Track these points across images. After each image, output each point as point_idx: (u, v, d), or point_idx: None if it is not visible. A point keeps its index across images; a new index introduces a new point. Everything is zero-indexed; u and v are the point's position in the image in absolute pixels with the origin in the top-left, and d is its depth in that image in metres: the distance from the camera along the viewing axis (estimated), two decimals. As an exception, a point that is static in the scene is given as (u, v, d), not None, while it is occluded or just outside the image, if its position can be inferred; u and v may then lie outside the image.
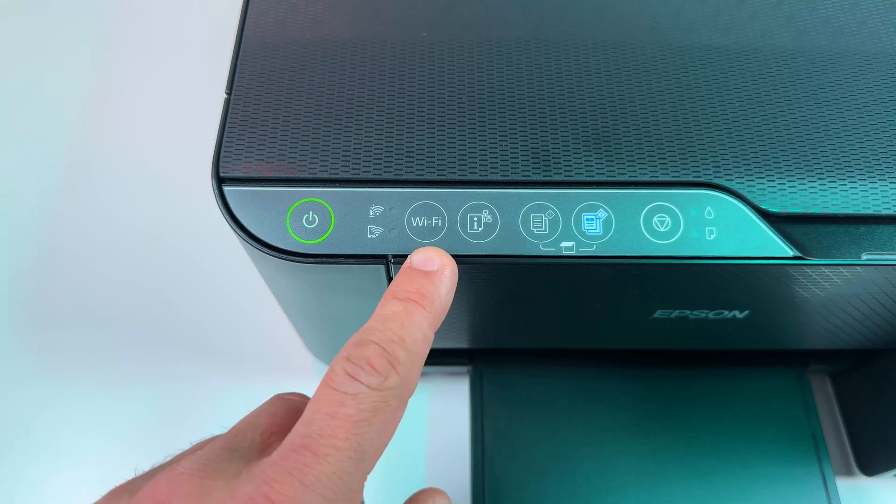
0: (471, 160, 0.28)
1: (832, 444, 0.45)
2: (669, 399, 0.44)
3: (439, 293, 0.26)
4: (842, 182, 0.29)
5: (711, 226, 0.28)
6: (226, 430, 0.25)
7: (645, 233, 0.28)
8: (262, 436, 0.25)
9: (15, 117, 0.57)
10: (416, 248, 0.27)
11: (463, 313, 0.34)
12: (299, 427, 0.22)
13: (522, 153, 0.29)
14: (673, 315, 0.34)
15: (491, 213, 0.28)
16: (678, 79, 0.31)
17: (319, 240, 0.27)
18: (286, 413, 0.26)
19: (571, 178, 0.28)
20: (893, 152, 0.29)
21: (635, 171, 0.28)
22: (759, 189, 0.28)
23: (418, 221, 0.28)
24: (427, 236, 0.28)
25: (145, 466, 0.26)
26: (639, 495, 0.41)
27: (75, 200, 0.53)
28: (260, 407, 0.26)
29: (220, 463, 0.23)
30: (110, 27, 0.61)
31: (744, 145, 0.29)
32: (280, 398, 0.27)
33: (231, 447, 0.24)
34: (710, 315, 0.34)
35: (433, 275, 0.26)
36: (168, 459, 0.26)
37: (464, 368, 0.45)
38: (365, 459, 0.22)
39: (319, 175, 0.28)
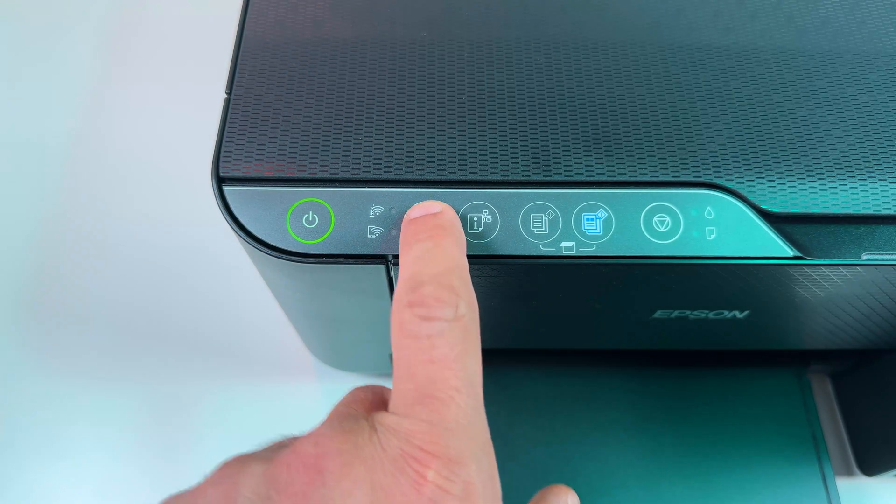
0: (471, 160, 0.28)
1: (832, 444, 0.45)
2: (669, 399, 0.44)
3: (455, 224, 0.26)
4: (842, 182, 0.29)
5: (711, 226, 0.28)
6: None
7: (645, 233, 0.28)
8: (370, 406, 0.25)
9: (15, 117, 0.57)
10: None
11: (463, 313, 0.34)
12: (403, 384, 0.22)
13: (522, 153, 0.29)
14: (673, 315, 0.34)
15: (491, 213, 0.28)
16: (678, 79, 0.31)
17: (319, 240, 0.27)
18: (376, 393, 0.26)
19: (571, 178, 0.28)
20: (893, 152, 0.29)
21: (635, 171, 0.28)
22: (759, 189, 0.28)
23: (418, 221, 0.28)
24: (427, 236, 0.27)
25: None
26: (639, 495, 0.41)
27: (75, 200, 0.53)
28: (351, 391, 0.26)
29: (351, 423, 0.23)
30: (110, 27, 0.61)
31: (744, 145, 0.29)
32: (363, 387, 0.27)
33: (348, 415, 0.24)
34: (711, 315, 0.34)
35: (440, 214, 0.26)
36: (272, 443, 0.25)
37: (464, 368, 0.45)
38: (477, 388, 0.22)
39: (319, 175, 0.28)
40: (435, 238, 0.25)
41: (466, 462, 0.21)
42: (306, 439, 0.22)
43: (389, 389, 0.26)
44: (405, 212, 0.27)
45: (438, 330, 0.22)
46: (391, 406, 0.23)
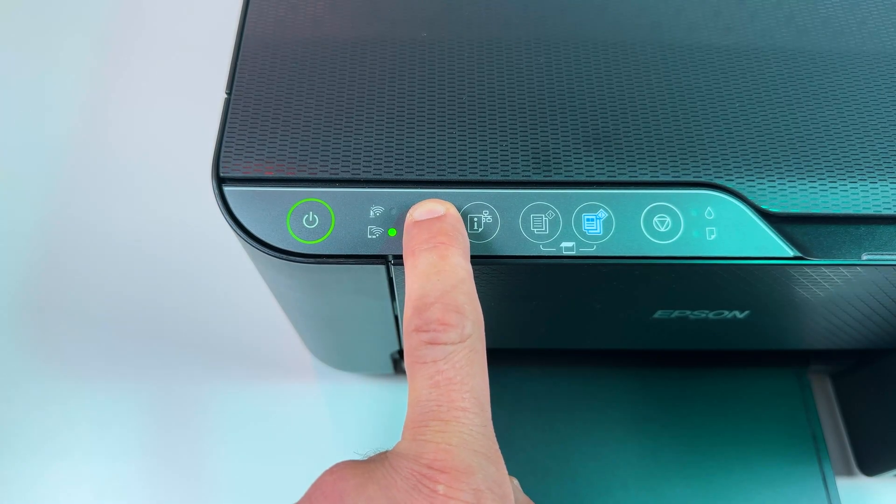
0: (471, 160, 0.28)
1: (832, 444, 0.45)
2: (670, 399, 0.44)
3: (458, 229, 0.26)
4: (842, 182, 0.29)
5: (712, 226, 0.28)
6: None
7: (645, 233, 0.28)
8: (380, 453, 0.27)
9: (15, 117, 0.57)
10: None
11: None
12: (413, 408, 0.23)
13: (522, 153, 0.29)
14: (673, 315, 0.34)
15: (491, 213, 0.28)
16: (678, 79, 0.31)
17: (320, 240, 0.27)
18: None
19: (571, 178, 0.28)
20: (893, 152, 0.29)
21: (635, 171, 0.28)
22: (759, 189, 0.28)
23: (418, 221, 0.28)
24: (427, 236, 0.27)
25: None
26: (639, 495, 0.41)
27: (76, 200, 0.53)
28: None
29: (365, 460, 0.24)
30: (110, 27, 0.61)
31: (744, 145, 0.29)
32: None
33: (361, 457, 0.25)
34: (711, 315, 0.34)
35: (444, 217, 0.26)
36: None
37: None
38: (484, 405, 0.23)
39: (319, 175, 0.28)
40: (440, 248, 0.25)
41: (473, 471, 0.22)
42: (324, 474, 0.24)
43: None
44: (406, 211, 0.27)
45: (444, 354, 0.23)
46: (403, 432, 0.24)
